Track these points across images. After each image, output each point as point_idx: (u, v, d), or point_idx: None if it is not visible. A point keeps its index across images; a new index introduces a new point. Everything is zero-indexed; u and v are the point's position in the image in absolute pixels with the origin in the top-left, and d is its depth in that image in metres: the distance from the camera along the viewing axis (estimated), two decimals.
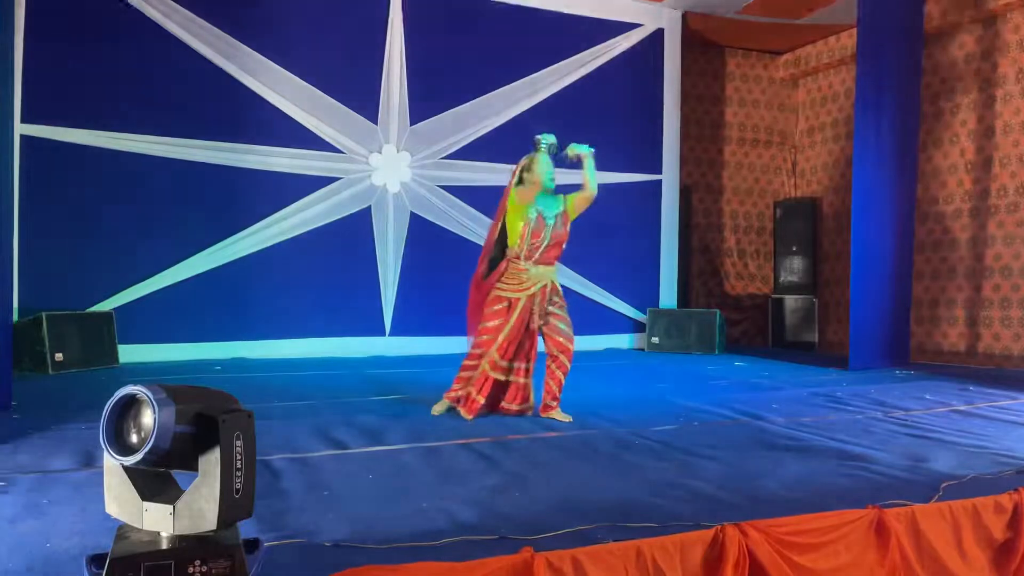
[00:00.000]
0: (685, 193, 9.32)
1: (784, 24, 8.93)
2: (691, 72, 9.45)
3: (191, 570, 1.69)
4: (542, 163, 4.21)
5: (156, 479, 1.83)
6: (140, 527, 1.78)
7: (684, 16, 8.77)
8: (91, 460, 3.06)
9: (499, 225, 4.29)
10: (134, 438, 1.74)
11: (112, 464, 1.79)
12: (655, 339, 8.35)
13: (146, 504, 1.77)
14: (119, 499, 1.80)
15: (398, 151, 7.68)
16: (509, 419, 4.20)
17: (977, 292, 7.83)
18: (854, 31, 7.70)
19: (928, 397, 5.14)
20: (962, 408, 4.72)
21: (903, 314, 7.29)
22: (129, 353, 6.42)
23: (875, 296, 6.86)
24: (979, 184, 7.84)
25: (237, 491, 1.74)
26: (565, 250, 4.35)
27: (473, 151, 7.93)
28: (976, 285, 7.84)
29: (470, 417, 4.15)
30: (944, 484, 2.83)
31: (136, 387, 1.72)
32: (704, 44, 9.51)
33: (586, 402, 4.73)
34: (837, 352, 8.56)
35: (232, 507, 1.73)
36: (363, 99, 7.50)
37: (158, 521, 1.75)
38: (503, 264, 4.24)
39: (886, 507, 2.51)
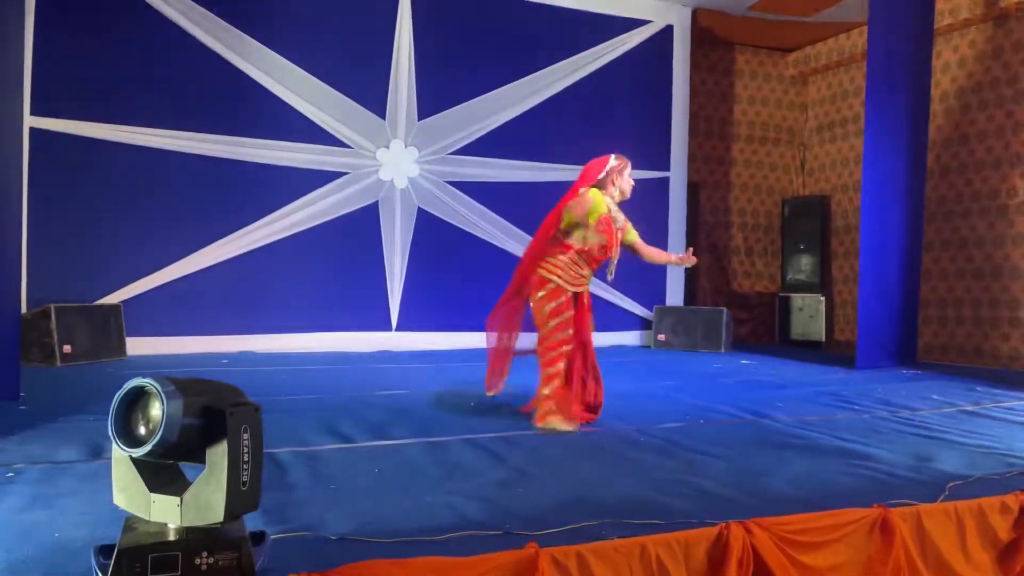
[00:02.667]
0: (693, 190, 9.29)
1: (794, 22, 8.89)
2: (700, 69, 9.42)
3: (198, 562, 1.70)
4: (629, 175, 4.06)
5: (164, 471, 1.84)
6: (147, 519, 1.79)
7: (694, 13, 8.74)
8: (99, 451, 3.08)
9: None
10: (142, 430, 1.75)
11: (120, 456, 1.80)
12: (662, 336, 8.34)
13: (154, 496, 1.78)
14: (127, 490, 1.81)
15: (406, 146, 7.68)
16: (514, 414, 4.19)
17: (986, 292, 7.80)
18: (864, 29, 7.67)
19: (935, 397, 5.12)
20: (969, 408, 4.70)
21: (911, 314, 7.26)
22: (137, 346, 6.45)
23: (883, 295, 6.83)
24: (988, 183, 7.80)
25: (244, 484, 1.75)
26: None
27: (481, 147, 7.93)
28: (985, 285, 7.81)
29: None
30: (950, 484, 2.83)
31: (145, 379, 1.73)
32: (714, 41, 9.48)
33: None
34: (844, 351, 8.53)
35: (239, 500, 1.75)
36: (371, 94, 7.51)
37: (165, 513, 1.76)
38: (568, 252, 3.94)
39: (891, 506, 2.50)
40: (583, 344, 4.04)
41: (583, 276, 3.97)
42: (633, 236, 4.18)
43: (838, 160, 9.65)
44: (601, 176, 3.99)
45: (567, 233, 3.94)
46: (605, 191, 3.99)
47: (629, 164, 4.10)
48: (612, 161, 4.03)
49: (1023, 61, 7.50)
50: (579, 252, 3.93)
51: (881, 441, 3.67)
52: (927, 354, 7.99)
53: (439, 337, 7.67)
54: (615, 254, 4.03)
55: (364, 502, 2.55)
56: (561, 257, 3.92)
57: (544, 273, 3.91)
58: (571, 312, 3.91)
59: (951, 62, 8.11)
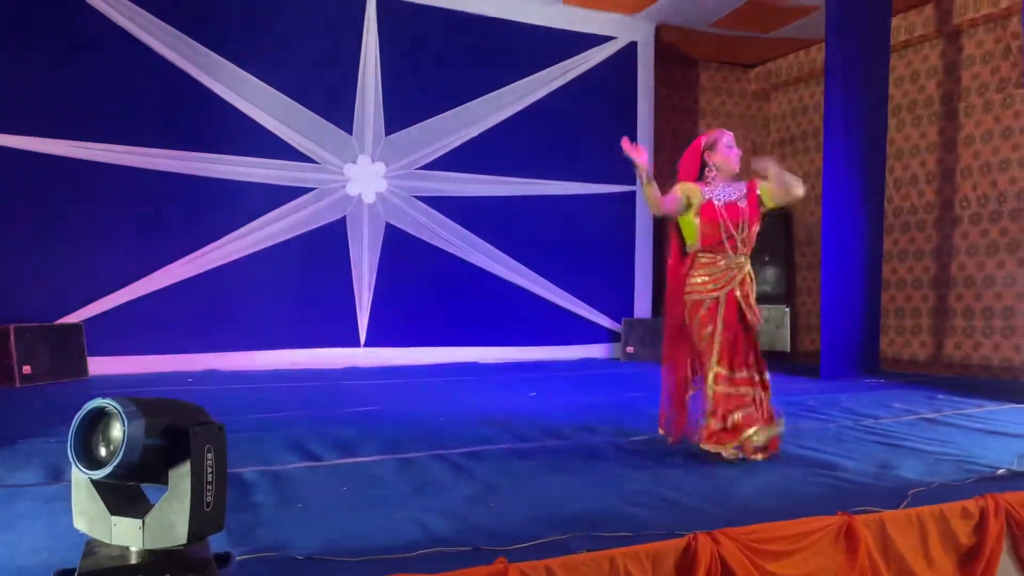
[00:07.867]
0: None
1: (755, 38, 9.07)
2: (665, 84, 9.55)
3: None
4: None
5: (125, 493, 1.80)
6: (109, 542, 1.75)
7: (657, 29, 8.87)
8: (59, 474, 3.01)
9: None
10: (103, 451, 1.71)
11: (80, 478, 1.76)
12: (630, 349, 8.39)
13: (115, 518, 1.74)
14: (87, 513, 1.78)
15: (373, 161, 7.67)
16: (481, 428, 4.17)
17: (942, 302, 7.98)
18: (823, 45, 7.85)
19: (897, 405, 5.21)
20: (930, 416, 4.80)
21: (873, 323, 7.41)
22: (99, 365, 6.33)
23: (846, 306, 6.96)
24: (941, 195, 8.00)
25: (208, 504, 1.72)
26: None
27: (448, 162, 7.95)
28: (941, 295, 7.99)
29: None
30: (912, 491, 2.88)
31: (105, 400, 1.70)
32: (677, 57, 9.62)
33: (560, 412, 4.74)
34: (809, 361, 8.65)
35: (203, 521, 1.72)
36: (338, 109, 7.49)
37: (127, 536, 1.73)
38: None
39: (855, 514, 2.54)
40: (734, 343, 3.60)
41: (729, 268, 3.68)
42: (765, 191, 3.81)
43: (799, 173, 9.82)
44: (702, 165, 3.77)
45: (683, 247, 3.83)
46: (705, 178, 3.76)
47: (723, 134, 3.78)
48: (704, 143, 3.79)
49: (974, 76, 7.72)
50: (701, 251, 3.71)
51: (845, 450, 3.73)
52: (888, 363, 8.14)
53: (408, 352, 7.63)
54: (736, 221, 3.70)
55: (332, 520, 2.52)
56: (693, 272, 3.71)
57: (686, 297, 3.71)
58: (712, 327, 3.61)
59: (904, 77, 8.33)
